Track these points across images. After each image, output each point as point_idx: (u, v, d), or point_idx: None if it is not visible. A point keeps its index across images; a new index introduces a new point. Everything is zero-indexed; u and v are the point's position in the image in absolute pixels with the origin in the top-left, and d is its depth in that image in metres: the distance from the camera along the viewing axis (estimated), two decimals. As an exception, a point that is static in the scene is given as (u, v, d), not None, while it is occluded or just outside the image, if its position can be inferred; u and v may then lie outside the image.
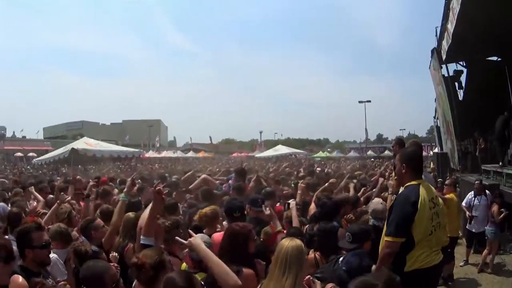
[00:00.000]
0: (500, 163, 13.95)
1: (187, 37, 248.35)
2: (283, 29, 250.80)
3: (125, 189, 5.44)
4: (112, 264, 4.07)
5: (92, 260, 3.75)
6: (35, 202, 8.08)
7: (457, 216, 9.93)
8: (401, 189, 4.50)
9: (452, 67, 20.12)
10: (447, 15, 14.69)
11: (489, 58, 19.56)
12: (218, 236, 4.62)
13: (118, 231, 5.12)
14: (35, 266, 3.84)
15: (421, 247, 4.10)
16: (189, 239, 3.62)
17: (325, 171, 14.08)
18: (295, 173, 15.21)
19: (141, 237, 4.19)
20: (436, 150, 30.76)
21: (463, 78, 20.14)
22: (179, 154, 61.00)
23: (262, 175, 12.06)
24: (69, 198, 6.65)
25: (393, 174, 6.58)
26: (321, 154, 67.27)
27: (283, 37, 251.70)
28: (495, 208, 10.17)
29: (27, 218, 5.23)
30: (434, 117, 27.16)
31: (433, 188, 4.51)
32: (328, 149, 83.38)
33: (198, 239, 3.57)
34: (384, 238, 4.17)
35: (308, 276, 3.52)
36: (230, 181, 9.66)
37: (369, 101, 58.80)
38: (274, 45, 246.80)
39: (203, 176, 9.66)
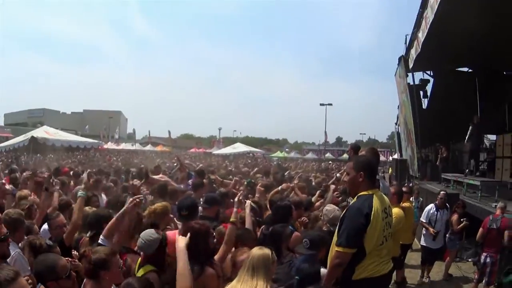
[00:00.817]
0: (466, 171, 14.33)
1: (154, 27, 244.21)
2: (252, 26, 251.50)
3: (82, 185, 5.30)
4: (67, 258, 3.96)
5: (43, 254, 3.77)
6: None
7: (412, 224, 9.86)
8: (353, 200, 4.44)
9: (419, 75, 20.62)
10: (419, 23, 14.93)
11: (459, 69, 20.03)
12: (171, 234, 4.53)
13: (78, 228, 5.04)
14: None
15: (371, 257, 4.09)
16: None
17: (285, 174, 13.95)
18: (251, 172, 15.22)
19: (101, 237, 4.19)
20: (395, 156, 31.34)
21: (429, 87, 20.67)
22: (137, 146, 60.15)
23: (220, 174, 12.28)
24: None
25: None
26: (279, 154, 67.65)
27: (251, 33, 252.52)
28: (454, 217, 10.21)
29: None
30: (396, 124, 27.60)
31: (386, 198, 4.46)
32: (286, 149, 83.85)
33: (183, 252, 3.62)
34: (335, 248, 4.13)
35: None
36: (190, 181, 9.71)
37: (331, 104, 59.00)
38: (241, 41, 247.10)
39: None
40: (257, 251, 3.54)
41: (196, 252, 3.73)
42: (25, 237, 4.54)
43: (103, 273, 3.44)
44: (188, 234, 3.77)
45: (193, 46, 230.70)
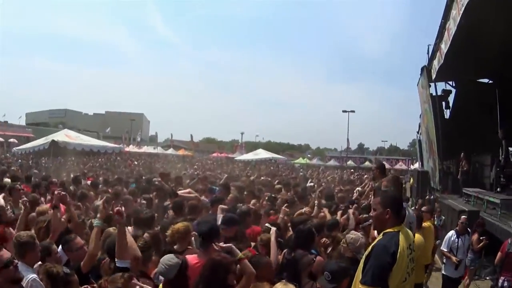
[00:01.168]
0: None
1: (175, 33, 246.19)
2: (273, 31, 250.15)
3: (98, 215, 5.17)
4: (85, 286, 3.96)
5: None
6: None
7: (432, 244, 9.63)
8: (379, 236, 4.33)
9: (441, 86, 20.32)
10: (442, 34, 14.80)
11: (480, 80, 19.70)
12: (192, 259, 4.55)
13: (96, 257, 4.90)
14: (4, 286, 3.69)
15: None
16: None
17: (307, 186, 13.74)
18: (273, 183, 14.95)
19: (116, 259, 4.15)
20: (416, 165, 31.00)
21: (451, 98, 20.35)
22: (159, 150, 60.59)
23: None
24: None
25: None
26: (301, 160, 67.41)
27: (271, 38, 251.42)
28: (474, 237, 9.97)
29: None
30: (418, 132, 27.31)
31: (410, 234, 4.37)
32: (308, 155, 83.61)
33: None
34: (359, 286, 4.01)
35: None
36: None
37: (353, 111, 58.70)
38: (260, 46, 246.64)
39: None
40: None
41: (210, 286, 3.62)
42: (40, 262, 4.46)
43: None
44: None
45: (214, 51, 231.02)
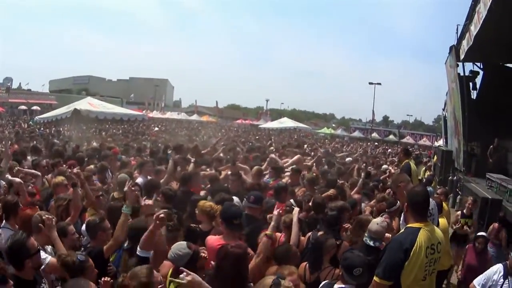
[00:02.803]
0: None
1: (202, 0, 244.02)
2: (301, 1, 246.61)
3: (127, 201, 5.03)
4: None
5: (72, 280, 3.68)
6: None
7: (447, 243, 7.74)
8: (402, 229, 4.42)
9: (469, 66, 19.90)
10: (472, 16, 14.46)
11: (508, 65, 19.25)
12: (215, 240, 4.67)
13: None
14: (30, 273, 3.83)
15: None
16: (188, 277, 3.41)
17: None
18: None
19: (138, 249, 4.15)
20: (441, 141, 30.60)
21: (478, 80, 19.93)
22: (183, 116, 60.83)
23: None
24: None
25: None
26: (325, 130, 67.10)
27: (299, 7, 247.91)
28: (494, 226, 9.30)
29: (24, 210, 5.06)
30: (443, 109, 26.86)
31: (437, 233, 4.27)
32: (333, 125, 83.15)
33: (197, 278, 3.40)
34: (374, 278, 4.07)
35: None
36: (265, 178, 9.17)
37: (379, 84, 58.27)
38: (288, 15, 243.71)
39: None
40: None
41: (228, 277, 3.60)
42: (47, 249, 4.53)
43: None
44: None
45: (240, 20, 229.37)
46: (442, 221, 7.05)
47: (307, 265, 4.92)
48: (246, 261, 3.92)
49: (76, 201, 5.63)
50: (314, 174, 9.28)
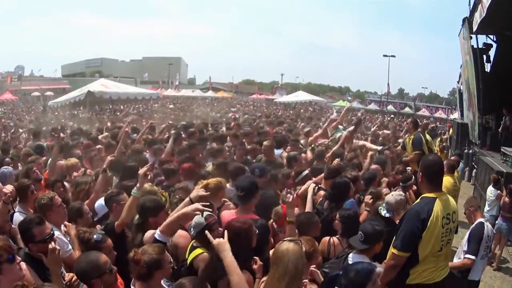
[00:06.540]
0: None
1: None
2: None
3: (137, 184, 4.83)
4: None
5: (84, 254, 3.81)
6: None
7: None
8: (417, 200, 4.37)
9: (482, 39, 19.50)
10: (484, -12, 14.09)
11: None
12: (229, 215, 4.76)
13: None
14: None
15: (426, 263, 4.07)
16: (216, 240, 3.52)
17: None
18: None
19: (157, 232, 4.05)
20: (456, 114, 30.28)
21: (491, 52, 19.45)
22: (197, 93, 60.71)
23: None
24: None
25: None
26: (341, 102, 66.38)
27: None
28: (507, 199, 9.27)
29: (38, 193, 5.08)
30: (458, 82, 26.50)
31: (452, 202, 4.31)
32: (349, 98, 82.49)
33: (226, 245, 3.48)
34: (391, 250, 4.11)
35: (305, 281, 3.47)
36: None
37: (394, 56, 57.60)
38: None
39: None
40: (288, 246, 3.31)
41: (234, 253, 3.52)
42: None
43: (157, 272, 3.42)
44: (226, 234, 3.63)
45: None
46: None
47: (335, 238, 4.93)
48: (248, 235, 3.86)
49: (101, 185, 5.72)
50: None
